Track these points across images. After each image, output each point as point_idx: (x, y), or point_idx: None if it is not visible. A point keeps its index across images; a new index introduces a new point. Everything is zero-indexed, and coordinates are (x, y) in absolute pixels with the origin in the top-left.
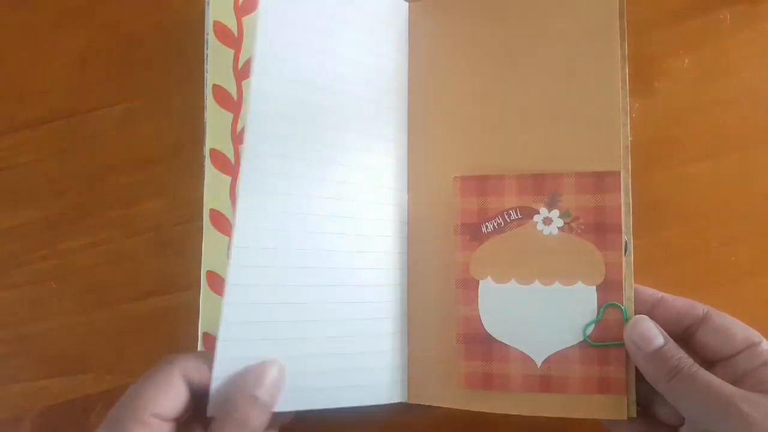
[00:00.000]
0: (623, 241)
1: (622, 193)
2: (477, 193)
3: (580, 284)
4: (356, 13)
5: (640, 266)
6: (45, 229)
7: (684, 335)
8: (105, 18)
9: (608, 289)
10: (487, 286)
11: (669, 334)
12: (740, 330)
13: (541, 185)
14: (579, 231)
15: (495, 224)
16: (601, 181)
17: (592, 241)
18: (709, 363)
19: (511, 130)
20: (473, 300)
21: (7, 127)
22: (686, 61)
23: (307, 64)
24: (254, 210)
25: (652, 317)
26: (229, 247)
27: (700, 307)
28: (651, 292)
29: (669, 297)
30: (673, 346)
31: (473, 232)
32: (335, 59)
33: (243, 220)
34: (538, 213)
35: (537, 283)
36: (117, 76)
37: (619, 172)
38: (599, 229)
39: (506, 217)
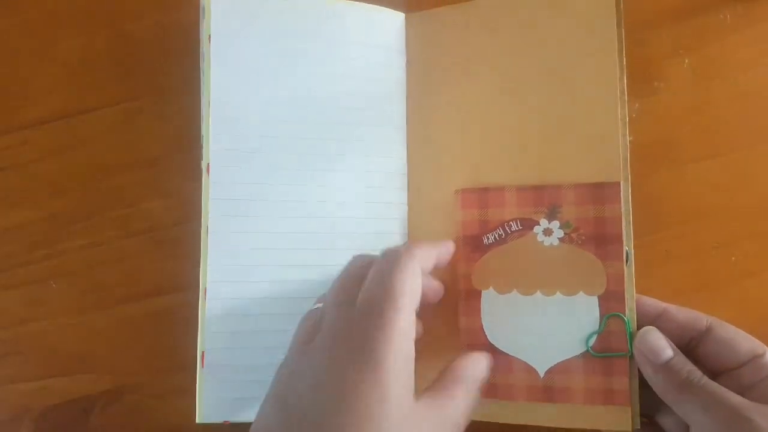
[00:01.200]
0: (624, 252)
1: (622, 203)
2: (478, 206)
3: (581, 294)
4: (349, 26)
5: (641, 267)
6: (45, 229)
7: (687, 347)
8: (105, 18)
9: (610, 300)
10: (489, 297)
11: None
12: (744, 341)
13: (541, 197)
14: (580, 242)
15: (496, 236)
16: (601, 192)
17: (593, 252)
18: (714, 375)
19: (511, 142)
20: (476, 311)
21: (7, 127)
22: (686, 61)
23: (288, 80)
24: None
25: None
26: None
27: (703, 319)
28: (654, 303)
29: (672, 308)
30: (682, 358)
31: (475, 244)
32: (323, 75)
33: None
34: (539, 224)
35: (539, 294)
36: (117, 76)
37: (619, 182)
38: (600, 239)
39: (507, 228)
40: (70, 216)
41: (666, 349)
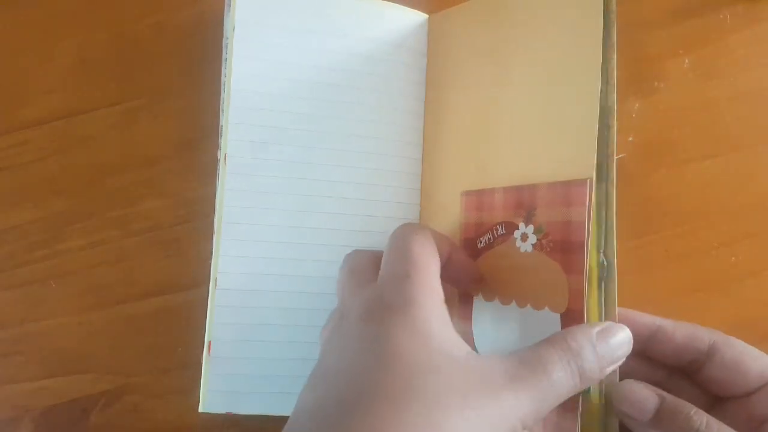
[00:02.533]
0: (585, 263)
1: (588, 205)
2: (476, 208)
3: (546, 310)
4: (372, 24)
5: (641, 266)
6: (45, 229)
7: (689, 369)
8: (105, 18)
9: (571, 320)
10: (478, 303)
11: (670, 367)
12: (753, 364)
13: (521, 198)
14: (548, 249)
15: (486, 239)
16: (569, 192)
17: (559, 262)
18: (720, 399)
19: (504, 140)
20: (469, 316)
21: (7, 127)
22: (686, 61)
23: (307, 75)
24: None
25: (649, 352)
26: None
27: (704, 338)
28: (647, 321)
29: (668, 325)
30: (671, 399)
31: (471, 247)
32: (343, 72)
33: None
34: (518, 228)
35: (514, 304)
36: (117, 76)
37: (587, 180)
38: (565, 248)
39: (495, 232)
40: (70, 216)
41: (650, 397)
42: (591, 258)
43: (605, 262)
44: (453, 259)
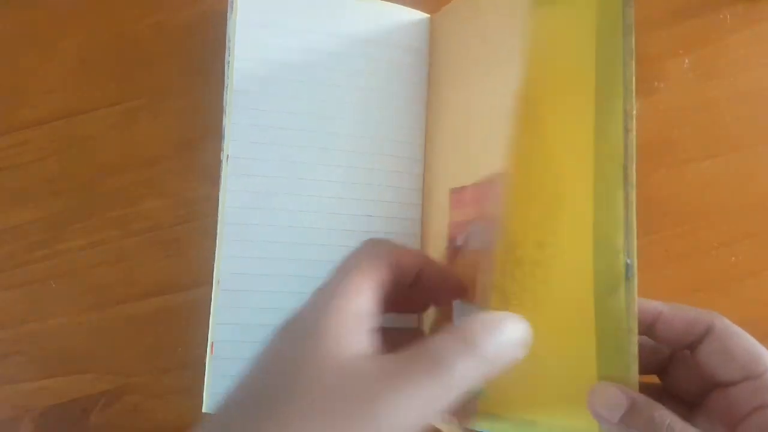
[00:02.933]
0: (492, 261)
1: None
2: (460, 205)
3: (482, 308)
4: (373, 25)
5: (641, 266)
6: (45, 229)
7: (690, 347)
8: (105, 18)
9: None
10: (457, 305)
11: (674, 350)
12: (741, 354)
13: (483, 194)
14: (486, 246)
15: (461, 239)
16: (494, 188)
17: (482, 259)
18: (710, 386)
19: (492, 136)
20: (449, 317)
21: (7, 127)
22: (686, 61)
23: (310, 75)
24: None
25: (652, 337)
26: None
27: (704, 320)
28: (649, 307)
29: (667, 312)
30: (641, 401)
31: (453, 247)
32: (345, 72)
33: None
34: (475, 225)
35: (477, 305)
36: (117, 76)
37: (498, 175)
38: (488, 245)
39: (467, 230)
40: (70, 216)
41: (622, 401)
42: (618, 261)
43: (629, 262)
44: (425, 272)
